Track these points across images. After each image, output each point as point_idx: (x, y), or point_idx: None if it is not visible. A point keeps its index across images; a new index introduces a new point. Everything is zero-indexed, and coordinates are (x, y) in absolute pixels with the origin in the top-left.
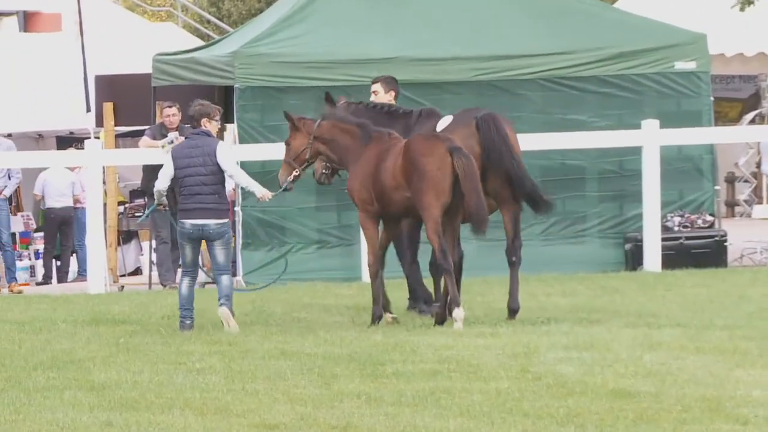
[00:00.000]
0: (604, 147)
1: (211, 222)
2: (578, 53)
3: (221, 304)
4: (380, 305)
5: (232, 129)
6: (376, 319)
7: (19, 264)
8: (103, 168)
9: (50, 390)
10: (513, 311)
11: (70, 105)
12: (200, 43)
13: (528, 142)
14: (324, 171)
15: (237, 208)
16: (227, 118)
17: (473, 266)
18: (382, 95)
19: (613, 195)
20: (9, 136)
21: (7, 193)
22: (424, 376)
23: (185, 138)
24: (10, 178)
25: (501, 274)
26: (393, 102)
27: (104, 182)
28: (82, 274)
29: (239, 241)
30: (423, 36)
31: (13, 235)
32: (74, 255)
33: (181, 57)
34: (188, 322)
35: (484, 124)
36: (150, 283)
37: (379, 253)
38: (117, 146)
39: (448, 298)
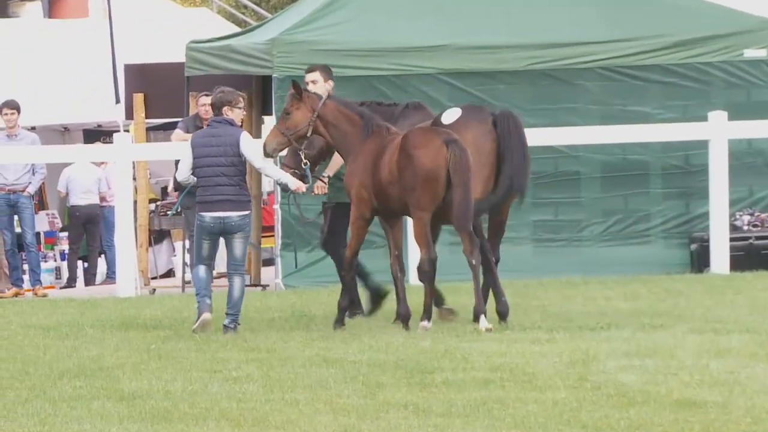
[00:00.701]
0: (669, 141)
1: (234, 214)
2: (640, 40)
3: (228, 324)
4: (406, 304)
5: (270, 121)
6: (404, 319)
7: (44, 265)
8: (133, 163)
9: (77, 400)
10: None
11: (97, 96)
12: (236, 29)
13: (586, 135)
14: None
15: (276, 206)
16: (265, 109)
17: (529, 268)
18: (321, 84)
19: (678, 192)
20: (33, 129)
21: (32, 190)
22: (475, 385)
23: (206, 126)
24: (34, 174)
25: (558, 276)
26: (331, 93)
27: (134, 178)
28: (111, 276)
29: (278, 241)
30: (473, 23)
31: (38, 234)
32: (102, 256)
33: (215, 45)
34: (208, 301)
35: (503, 120)
36: (183, 286)
37: (398, 253)
38: (148, 140)
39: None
